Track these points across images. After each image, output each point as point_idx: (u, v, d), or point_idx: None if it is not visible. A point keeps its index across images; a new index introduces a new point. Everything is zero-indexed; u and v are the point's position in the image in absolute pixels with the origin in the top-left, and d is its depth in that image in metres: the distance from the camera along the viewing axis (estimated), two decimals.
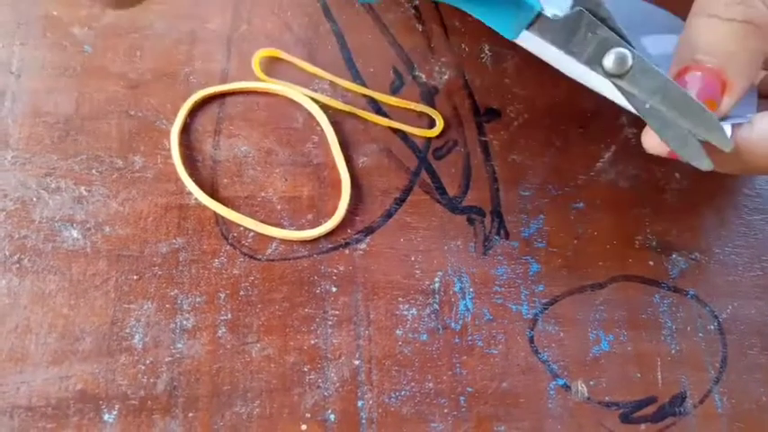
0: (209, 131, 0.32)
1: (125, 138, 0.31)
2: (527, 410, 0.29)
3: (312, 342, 0.29)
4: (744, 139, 0.23)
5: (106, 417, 0.26)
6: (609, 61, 0.22)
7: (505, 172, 0.33)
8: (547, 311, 0.31)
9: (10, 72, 0.31)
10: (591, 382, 0.30)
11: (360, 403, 0.28)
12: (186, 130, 0.32)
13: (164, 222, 0.30)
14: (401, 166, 0.32)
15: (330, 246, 0.31)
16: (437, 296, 0.30)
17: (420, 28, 0.35)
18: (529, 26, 0.22)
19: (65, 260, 0.28)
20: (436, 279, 0.31)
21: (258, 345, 0.28)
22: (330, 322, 0.29)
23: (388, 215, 0.31)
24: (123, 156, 0.31)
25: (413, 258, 0.31)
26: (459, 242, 0.31)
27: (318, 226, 0.30)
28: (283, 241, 0.30)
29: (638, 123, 0.35)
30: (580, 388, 0.30)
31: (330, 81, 0.33)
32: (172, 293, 0.29)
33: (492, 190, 0.33)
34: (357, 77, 0.34)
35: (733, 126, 0.23)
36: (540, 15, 0.22)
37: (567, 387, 0.30)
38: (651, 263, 0.32)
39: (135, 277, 0.29)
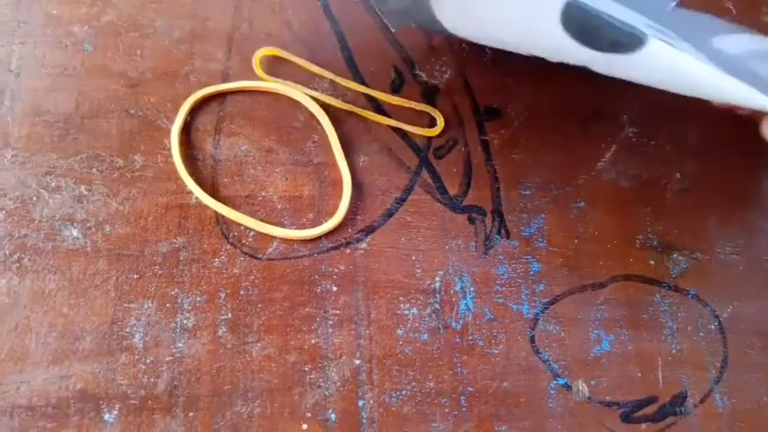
0: (210, 130, 0.32)
1: (125, 137, 0.31)
2: (528, 410, 0.29)
3: (313, 341, 0.29)
4: None
5: (106, 416, 0.26)
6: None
7: (506, 171, 0.33)
8: (548, 311, 0.31)
9: (9, 71, 0.31)
10: (592, 382, 0.30)
11: (360, 403, 0.28)
12: (187, 129, 0.32)
13: (164, 221, 0.30)
14: (402, 165, 0.32)
15: (331, 245, 0.30)
16: (438, 295, 0.30)
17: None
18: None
19: (65, 259, 0.28)
20: (437, 278, 0.30)
21: (259, 344, 0.28)
22: (331, 322, 0.29)
23: (389, 214, 0.31)
24: (123, 155, 0.31)
25: (414, 258, 0.31)
26: (460, 241, 0.31)
27: (319, 225, 0.30)
28: (284, 240, 0.30)
29: (639, 123, 0.35)
30: (581, 387, 0.30)
31: (331, 80, 0.33)
32: (172, 293, 0.29)
33: (493, 189, 0.33)
34: (357, 76, 0.34)
35: None
36: None
37: (567, 387, 0.29)
38: (652, 262, 0.32)
39: (135, 276, 0.29)
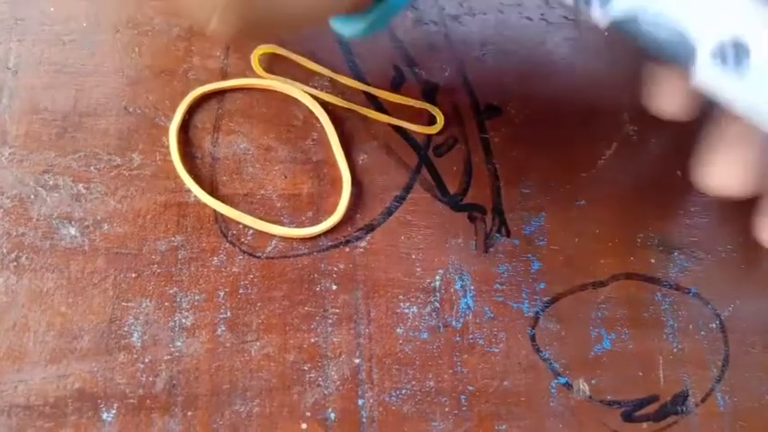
0: (209, 128, 0.32)
1: (123, 135, 0.31)
2: (528, 409, 0.29)
3: (312, 340, 0.29)
4: None
5: (105, 415, 0.26)
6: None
7: (507, 169, 0.33)
8: (548, 309, 0.30)
9: (7, 68, 0.31)
10: (593, 381, 0.30)
11: (360, 402, 0.28)
12: (185, 126, 0.31)
13: (162, 220, 0.30)
14: (401, 163, 0.32)
15: (330, 243, 0.30)
16: (438, 294, 0.30)
17: (420, 24, 0.35)
18: None
19: (63, 258, 0.28)
20: (437, 277, 0.30)
21: (258, 343, 0.28)
22: (330, 320, 0.29)
23: (389, 213, 0.31)
24: (121, 153, 0.30)
25: (413, 256, 0.31)
26: (460, 240, 0.31)
27: (318, 223, 0.30)
28: (283, 239, 0.30)
29: (640, 120, 0.35)
30: (582, 386, 0.29)
31: (330, 77, 0.33)
32: (171, 291, 0.28)
33: (493, 187, 0.32)
34: (357, 74, 0.34)
35: None
36: None
37: (568, 386, 0.29)
38: (653, 261, 0.32)
39: (133, 275, 0.28)
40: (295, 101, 0.33)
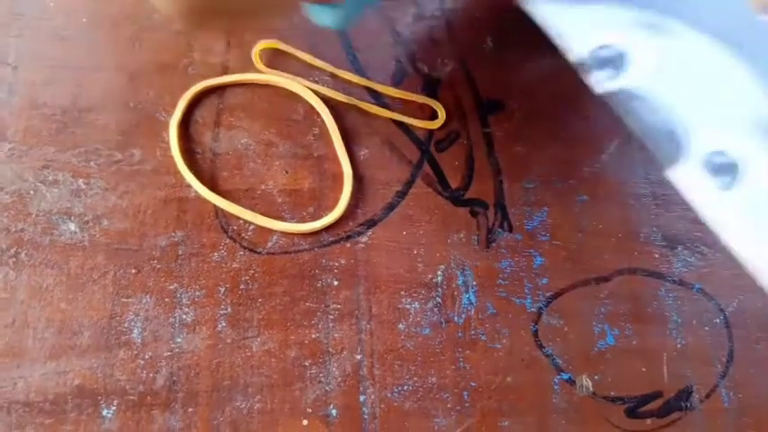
0: (209, 123, 0.31)
1: (123, 130, 0.31)
2: (531, 405, 0.28)
3: (313, 336, 0.28)
4: None
5: (105, 412, 0.26)
6: None
7: (509, 164, 0.33)
8: (551, 305, 0.30)
9: (7, 63, 0.31)
10: (596, 377, 0.29)
11: (362, 398, 0.28)
12: (185, 122, 0.31)
13: (163, 215, 0.29)
14: (403, 158, 0.32)
15: (331, 239, 0.30)
16: (440, 290, 0.30)
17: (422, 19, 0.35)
18: None
19: (62, 254, 0.28)
20: (439, 272, 0.30)
21: (259, 339, 0.28)
22: (332, 316, 0.29)
23: (390, 208, 0.31)
24: (122, 148, 0.30)
25: (415, 251, 0.30)
26: (462, 235, 0.31)
27: (319, 219, 0.30)
28: (284, 234, 0.30)
29: None
30: (585, 382, 0.29)
31: (331, 72, 0.33)
32: (171, 287, 0.28)
33: (495, 182, 0.32)
34: (358, 69, 0.33)
35: None
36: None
37: (571, 381, 0.29)
38: (656, 256, 0.32)
39: (133, 271, 0.28)
40: (296, 96, 0.32)
